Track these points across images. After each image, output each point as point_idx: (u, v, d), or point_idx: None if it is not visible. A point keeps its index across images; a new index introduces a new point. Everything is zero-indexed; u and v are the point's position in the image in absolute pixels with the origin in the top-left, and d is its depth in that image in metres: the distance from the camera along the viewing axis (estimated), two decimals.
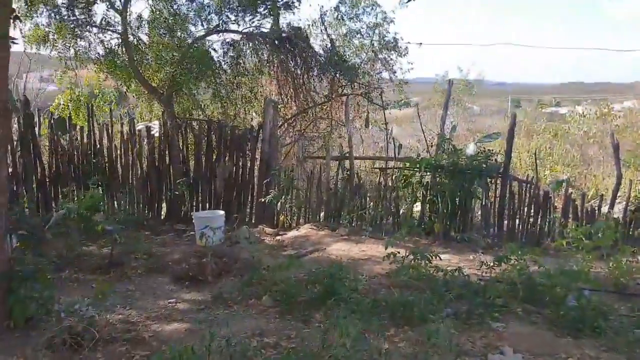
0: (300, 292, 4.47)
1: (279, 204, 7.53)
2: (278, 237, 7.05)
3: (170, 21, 9.21)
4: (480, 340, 3.81)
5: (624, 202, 7.37)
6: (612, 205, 7.36)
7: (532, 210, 7.32)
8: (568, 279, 4.52)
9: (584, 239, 5.56)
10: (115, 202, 7.77)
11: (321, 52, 10.20)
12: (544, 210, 7.27)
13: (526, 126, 18.44)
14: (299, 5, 9.24)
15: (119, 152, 7.81)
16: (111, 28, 9.04)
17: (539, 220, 7.27)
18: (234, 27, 9.50)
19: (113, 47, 9.25)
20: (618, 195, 7.54)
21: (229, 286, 4.88)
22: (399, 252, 5.13)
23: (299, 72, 9.97)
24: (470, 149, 7.66)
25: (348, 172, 7.87)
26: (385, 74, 11.45)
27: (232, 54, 9.97)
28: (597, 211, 7.23)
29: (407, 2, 3.53)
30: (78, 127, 7.84)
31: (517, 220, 7.40)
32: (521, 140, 15.54)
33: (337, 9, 10.88)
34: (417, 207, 7.60)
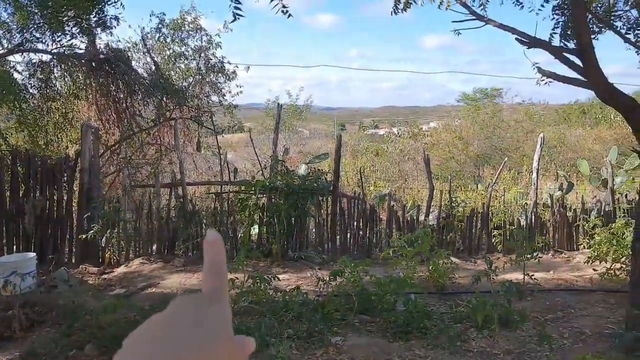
0: None
1: (103, 239, 6.83)
2: (104, 276, 6.37)
3: None
4: (322, 357, 3.85)
5: (437, 211, 8.26)
6: (427, 214, 8.20)
7: (361, 224, 7.79)
8: (396, 286, 4.85)
9: (406, 246, 6.05)
10: None
11: (145, 74, 9.69)
12: (371, 223, 7.79)
13: (351, 147, 19.88)
14: (117, 24, 8.66)
15: None
16: None
17: (368, 232, 7.77)
18: (41, 46, 8.54)
19: None
20: (432, 204, 8.42)
21: (43, 340, 4.22)
22: (237, 278, 4.99)
23: (121, 95, 9.31)
24: (302, 170, 7.92)
25: (181, 200, 7.50)
26: (214, 98, 11.33)
27: (40, 76, 8.93)
28: (415, 220, 7.98)
29: (232, 21, 3.47)
30: None
31: (348, 235, 7.80)
32: (347, 160, 16.65)
33: (158, 30, 10.49)
34: (255, 229, 7.55)
